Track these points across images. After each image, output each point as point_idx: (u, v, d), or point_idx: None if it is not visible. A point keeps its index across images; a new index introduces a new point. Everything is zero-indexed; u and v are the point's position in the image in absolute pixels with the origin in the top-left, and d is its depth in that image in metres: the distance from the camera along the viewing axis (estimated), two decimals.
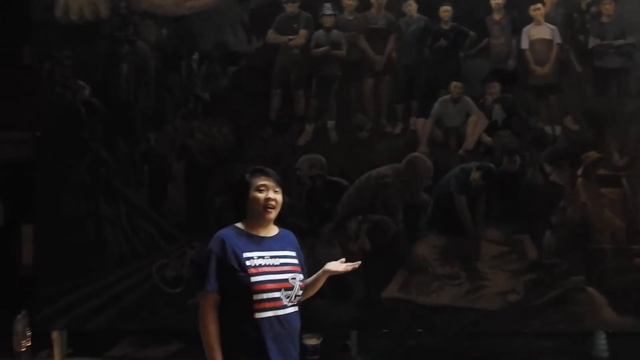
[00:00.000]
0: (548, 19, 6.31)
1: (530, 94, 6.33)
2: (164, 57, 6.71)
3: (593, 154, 6.13)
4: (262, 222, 3.16)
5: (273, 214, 3.16)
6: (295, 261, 3.23)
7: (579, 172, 6.14)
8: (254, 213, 3.14)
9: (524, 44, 6.32)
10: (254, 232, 3.16)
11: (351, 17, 6.55)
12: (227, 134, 6.60)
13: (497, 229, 6.22)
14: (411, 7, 6.45)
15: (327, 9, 6.52)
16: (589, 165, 6.12)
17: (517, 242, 6.19)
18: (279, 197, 3.17)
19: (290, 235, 3.34)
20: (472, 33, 6.38)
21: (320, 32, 6.53)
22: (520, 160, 6.23)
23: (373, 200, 6.42)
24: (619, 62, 6.18)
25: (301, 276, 3.21)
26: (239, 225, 3.18)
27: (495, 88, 6.32)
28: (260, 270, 3.05)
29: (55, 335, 6.63)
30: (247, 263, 3.04)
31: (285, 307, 3.11)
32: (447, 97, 6.39)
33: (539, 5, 6.28)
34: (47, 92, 6.69)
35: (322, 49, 6.50)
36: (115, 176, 6.65)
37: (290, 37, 6.55)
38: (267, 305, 3.05)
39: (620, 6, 6.22)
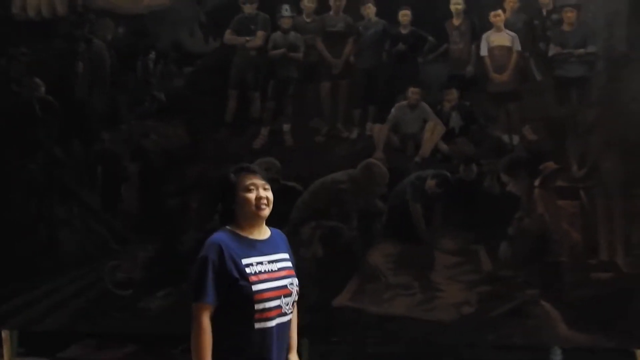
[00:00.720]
0: (508, 25, 6.02)
1: (488, 101, 6.05)
2: (120, 55, 6.45)
3: (551, 165, 5.83)
4: (255, 221, 2.93)
5: (267, 211, 2.93)
6: (290, 264, 3.03)
7: (537, 182, 5.84)
8: (246, 214, 2.91)
9: (483, 51, 6.03)
10: (249, 235, 2.93)
11: (309, 20, 6.29)
12: (182, 135, 6.36)
13: (452, 239, 5.93)
14: (370, 11, 6.18)
15: (285, 10, 6.25)
16: (547, 176, 5.81)
17: (472, 253, 5.89)
18: (269, 194, 2.95)
19: (282, 235, 3.13)
20: (431, 38, 6.12)
21: (278, 34, 6.27)
22: (477, 169, 5.94)
23: (327, 206, 6.11)
24: (580, 71, 5.85)
25: (297, 280, 3.01)
26: (231, 228, 2.93)
27: (453, 95, 6.05)
28: (260, 277, 2.84)
29: (5, 334, 6.33)
30: (247, 270, 2.82)
31: (285, 314, 2.92)
32: (404, 102, 6.10)
33: (499, 11, 6.00)
34: (2, 89, 6.43)
35: (279, 50, 6.25)
36: (68, 176, 6.37)
37: (248, 38, 6.30)
38: (268, 314, 2.84)
39: (582, 14, 5.90)
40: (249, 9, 6.27)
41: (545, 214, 5.83)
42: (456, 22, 6.09)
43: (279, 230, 3.12)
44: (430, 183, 5.96)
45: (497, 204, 5.92)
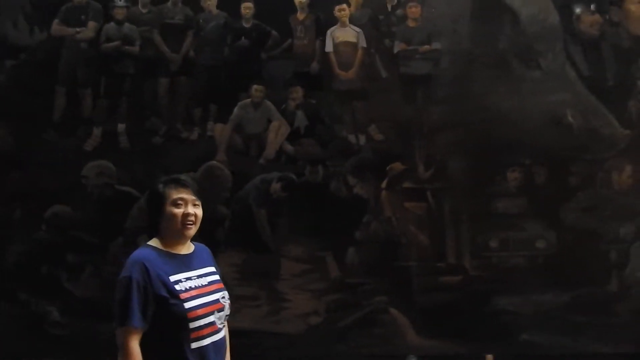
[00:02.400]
0: (353, 20, 5.70)
1: (334, 99, 5.71)
2: None
3: (398, 166, 5.51)
4: (180, 239, 2.69)
5: (192, 230, 2.69)
6: (218, 277, 2.79)
7: (384, 184, 5.50)
8: (171, 230, 2.67)
9: (329, 47, 5.69)
10: (173, 251, 2.69)
11: (145, 10, 5.80)
12: (4, 136, 5.67)
13: (298, 246, 5.50)
14: (210, 2, 5.78)
15: None
16: (394, 178, 5.48)
17: (319, 260, 5.48)
18: (199, 211, 2.70)
19: (206, 249, 2.89)
20: (274, 33, 5.75)
21: (111, 25, 5.77)
22: (323, 170, 5.57)
23: None
24: (425, 69, 5.60)
25: (227, 293, 2.77)
26: (154, 243, 2.68)
27: (298, 93, 5.69)
28: (192, 293, 2.61)
29: None
30: (177, 287, 2.58)
31: (218, 330, 2.67)
32: (247, 101, 5.69)
33: (344, 5, 5.68)
34: None
35: (112, 44, 5.75)
36: None
37: (78, 29, 5.77)
38: (204, 332, 2.60)
39: (426, 10, 5.64)
40: None
41: (392, 217, 5.47)
42: (300, 16, 5.73)
43: (201, 244, 2.89)
44: (275, 186, 5.54)
45: (345, 207, 5.54)
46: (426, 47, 5.62)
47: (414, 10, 5.61)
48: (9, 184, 5.60)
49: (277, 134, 5.60)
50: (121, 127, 5.69)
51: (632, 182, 5.48)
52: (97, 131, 5.66)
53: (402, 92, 5.64)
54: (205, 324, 2.62)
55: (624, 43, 5.62)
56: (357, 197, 5.53)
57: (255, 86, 5.66)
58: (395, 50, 5.66)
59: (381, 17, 5.71)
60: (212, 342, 2.65)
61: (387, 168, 5.53)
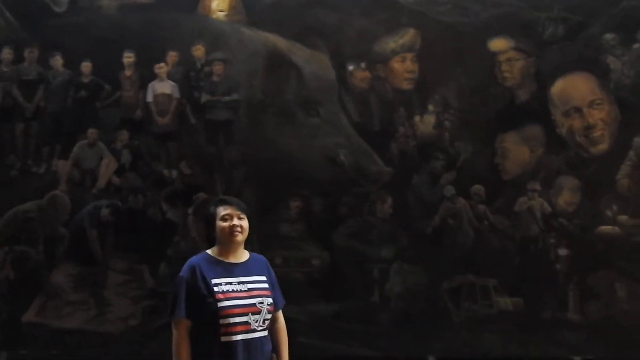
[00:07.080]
0: (169, 76, 6.37)
1: (153, 141, 6.36)
2: None
3: (202, 195, 6.14)
4: (231, 246, 3.00)
5: (240, 237, 3.00)
6: (265, 285, 3.03)
7: (190, 210, 6.13)
8: (223, 240, 3.00)
9: (149, 97, 6.35)
10: (224, 259, 3.00)
11: (7, 69, 6.47)
12: None
13: (122, 260, 6.16)
14: (57, 62, 6.43)
15: None
16: (199, 205, 6.08)
17: (137, 272, 6.12)
18: (244, 222, 3.02)
19: (261, 260, 3.13)
20: (107, 86, 6.41)
21: None
22: (143, 199, 6.21)
23: (18, 233, 6.21)
24: (226, 115, 6.25)
25: (270, 300, 3.00)
26: (210, 251, 3.03)
27: (124, 135, 6.34)
28: (227, 295, 2.90)
29: None
30: (215, 289, 2.89)
31: (254, 330, 2.94)
32: (84, 141, 6.33)
33: (162, 64, 6.34)
34: None
35: None
36: None
37: None
38: (234, 329, 2.88)
39: (228, 67, 6.30)
40: None
41: (197, 237, 6.06)
42: (128, 73, 6.39)
43: (259, 255, 3.16)
44: (105, 211, 6.21)
45: (159, 229, 6.19)
46: (227, 97, 6.28)
47: (218, 67, 6.31)
48: None
49: (107, 168, 6.28)
50: None
51: (392, 211, 6.06)
52: None
53: (207, 135, 6.32)
54: (236, 323, 2.87)
55: (388, 95, 6.25)
56: (169, 221, 6.22)
57: (90, 130, 6.34)
58: (202, 101, 6.33)
59: (192, 73, 6.40)
60: (244, 340, 2.88)
61: (194, 197, 6.18)
